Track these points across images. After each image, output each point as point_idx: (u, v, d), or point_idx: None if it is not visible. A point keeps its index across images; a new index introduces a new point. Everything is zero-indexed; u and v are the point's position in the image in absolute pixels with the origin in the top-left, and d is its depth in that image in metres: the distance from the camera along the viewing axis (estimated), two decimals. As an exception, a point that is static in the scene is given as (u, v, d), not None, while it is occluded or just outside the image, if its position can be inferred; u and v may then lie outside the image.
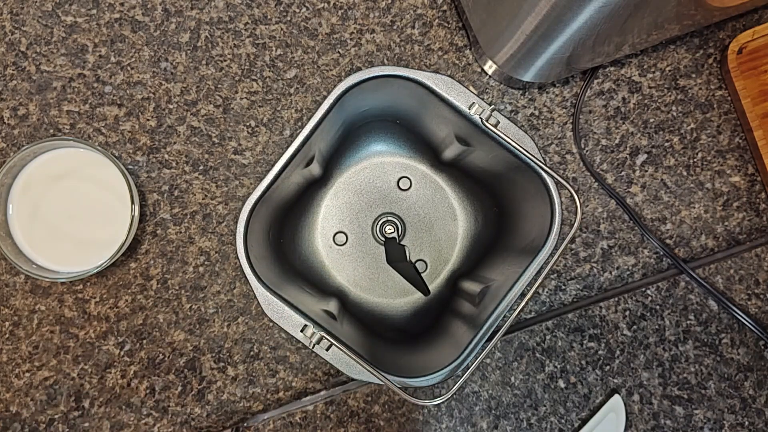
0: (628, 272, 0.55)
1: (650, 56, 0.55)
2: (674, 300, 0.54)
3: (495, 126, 0.50)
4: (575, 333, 0.54)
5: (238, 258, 0.52)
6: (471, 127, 0.53)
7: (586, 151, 0.55)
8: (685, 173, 0.55)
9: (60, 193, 0.50)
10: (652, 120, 0.55)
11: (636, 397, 0.53)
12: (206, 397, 0.52)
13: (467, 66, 0.54)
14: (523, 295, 0.52)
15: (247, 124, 0.54)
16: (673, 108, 0.55)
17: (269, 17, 0.54)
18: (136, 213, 0.49)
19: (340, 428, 0.53)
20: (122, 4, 0.53)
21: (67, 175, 0.50)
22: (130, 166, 0.53)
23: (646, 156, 0.55)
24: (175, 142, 0.53)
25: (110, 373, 0.52)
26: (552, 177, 0.51)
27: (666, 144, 0.55)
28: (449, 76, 0.53)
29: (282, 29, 0.54)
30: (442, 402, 0.48)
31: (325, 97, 0.53)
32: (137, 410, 0.52)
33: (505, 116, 0.53)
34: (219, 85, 0.53)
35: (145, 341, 0.52)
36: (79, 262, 0.50)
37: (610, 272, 0.55)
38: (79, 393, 0.52)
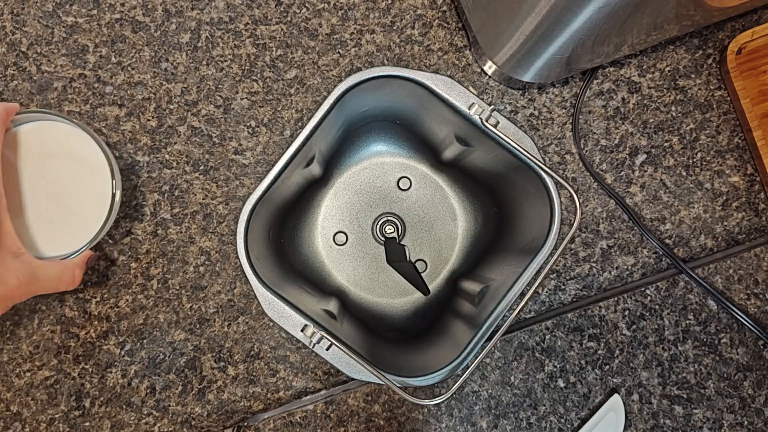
0: (627, 272, 0.55)
1: (650, 57, 0.55)
2: (673, 300, 0.54)
3: (495, 126, 0.50)
4: (575, 333, 0.54)
5: (238, 258, 0.52)
6: (471, 127, 0.54)
7: (586, 151, 0.55)
8: (684, 173, 0.55)
9: (31, 172, 0.45)
10: (651, 120, 0.55)
11: (635, 397, 0.54)
12: (207, 396, 0.53)
13: (467, 66, 0.54)
14: (522, 294, 0.52)
15: (248, 124, 0.54)
16: (673, 108, 0.55)
17: (269, 18, 0.54)
18: (118, 192, 0.45)
19: (340, 428, 0.53)
20: (123, 5, 0.53)
21: (38, 152, 0.45)
22: (130, 165, 0.53)
23: (645, 156, 0.55)
24: (175, 143, 0.53)
25: (111, 372, 0.52)
26: (551, 177, 0.51)
27: (665, 144, 0.55)
28: (449, 76, 0.53)
29: (282, 30, 0.54)
30: (442, 401, 0.48)
31: (325, 98, 0.53)
32: (138, 410, 0.52)
33: (504, 116, 0.53)
34: (219, 86, 0.54)
35: (145, 341, 0.52)
36: (54, 247, 0.45)
37: (610, 272, 0.55)
38: (79, 392, 0.52)
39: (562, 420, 0.53)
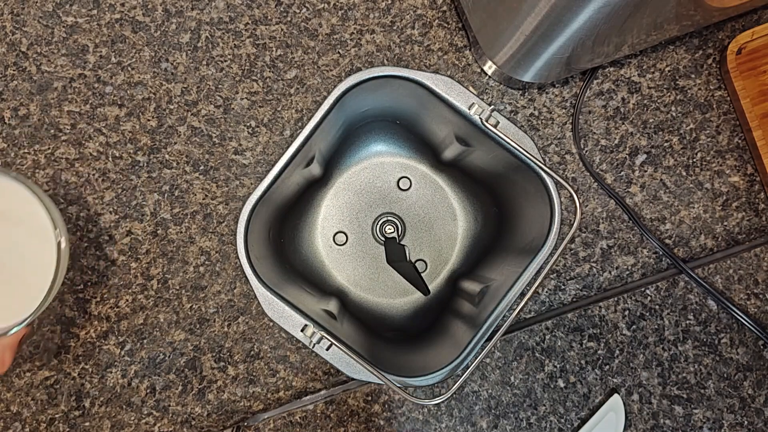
0: (627, 272, 0.55)
1: (649, 57, 0.55)
2: (673, 300, 0.54)
3: (495, 126, 0.50)
4: (575, 333, 0.54)
5: (238, 258, 0.52)
6: (471, 127, 0.54)
7: (586, 151, 0.55)
8: (684, 173, 0.55)
9: None
10: (651, 120, 0.55)
11: (635, 397, 0.54)
12: (207, 396, 0.53)
13: (467, 66, 0.54)
14: (522, 294, 0.52)
15: (248, 124, 0.54)
16: (673, 108, 0.55)
17: (269, 18, 0.54)
18: (64, 239, 0.38)
19: (340, 427, 0.53)
20: (123, 5, 0.53)
21: None
22: (130, 166, 0.53)
23: (645, 156, 0.55)
24: (175, 143, 0.53)
25: (111, 372, 0.52)
26: (551, 177, 0.51)
27: (665, 144, 0.55)
28: (449, 76, 0.53)
29: (282, 30, 0.54)
30: (442, 401, 0.48)
31: (325, 98, 0.53)
32: (138, 410, 0.52)
33: (504, 116, 0.53)
34: (219, 86, 0.54)
35: (145, 341, 0.52)
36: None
37: (610, 272, 0.55)
38: (79, 392, 0.52)
39: (562, 420, 0.53)
